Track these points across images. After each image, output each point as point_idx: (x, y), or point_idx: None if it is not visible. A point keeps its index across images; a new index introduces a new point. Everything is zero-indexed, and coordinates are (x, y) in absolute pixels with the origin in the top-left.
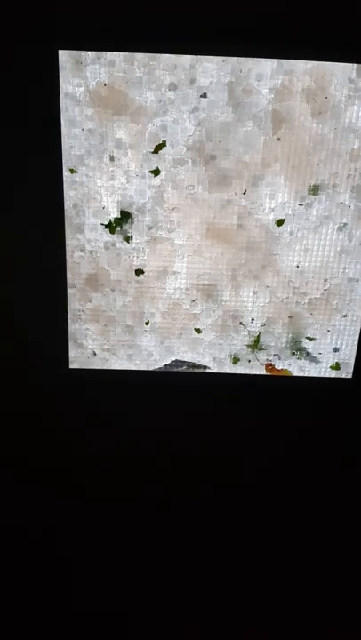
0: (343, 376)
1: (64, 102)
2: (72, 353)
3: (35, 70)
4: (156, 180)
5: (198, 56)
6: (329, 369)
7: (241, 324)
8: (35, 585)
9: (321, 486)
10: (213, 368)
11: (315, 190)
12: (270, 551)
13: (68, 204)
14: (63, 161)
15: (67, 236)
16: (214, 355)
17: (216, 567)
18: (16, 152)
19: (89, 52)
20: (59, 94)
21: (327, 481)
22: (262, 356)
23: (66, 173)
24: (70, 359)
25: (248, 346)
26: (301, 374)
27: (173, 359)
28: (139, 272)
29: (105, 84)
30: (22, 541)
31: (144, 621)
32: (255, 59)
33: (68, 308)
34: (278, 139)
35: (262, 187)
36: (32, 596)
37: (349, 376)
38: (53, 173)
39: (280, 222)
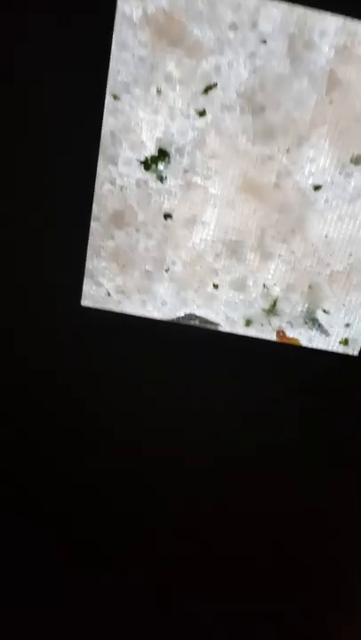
0: (350, 352)
1: (118, 23)
2: (86, 289)
3: None
4: (201, 123)
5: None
6: (338, 343)
7: (262, 286)
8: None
9: (315, 462)
10: (225, 327)
11: (357, 160)
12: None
13: (105, 131)
14: (108, 85)
15: (99, 165)
16: (228, 314)
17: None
18: (60, 69)
19: None
20: (114, 14)
21: (322, 458)
22: (275, 322)
23: (108, 98)
24: (83, 295)
25: (264, 310)
26: (310, 345)
27: (187, 312)
28: (167, 216)
29: (164, 11)
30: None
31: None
32: (322, 13)
33: (89, 242)
34: (331, 101)
35: (306, 147)
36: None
37: (356, 353)
38: (96, 97)
39: (317, 188)
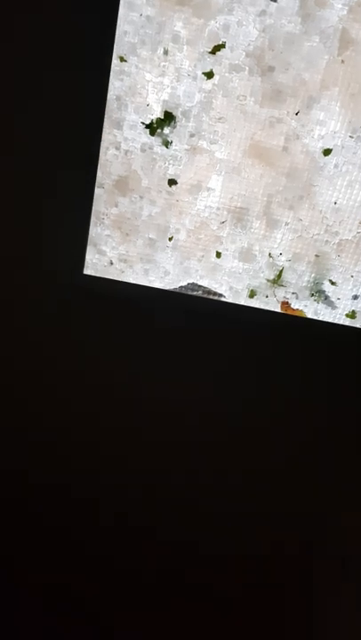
0: (357, 326)
1: None
2: (89, 257)
3: None
4: (208, 84)
5: None
6: (344, 316)
7: (268, 255)
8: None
9: (318, 437)
10: (229, 298)
11: None
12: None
13: (111, 94)
14: (115, 47)
15: (104, 130)
16: (232, 284)
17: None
18: (65, 30)
19: None
20: None
21: (325, 434)
22: (280, 293)
23: (115, 61)
24: (86, 264)
25: (268, 280)
26: (315, 317)
27: (190, 282)
28: (171, 182)
29: None
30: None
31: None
32: None
33: (93, 209)
34: (342, 61)
35: (316, 110)
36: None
37: None
38: (102, 59)
39: (327, 152)
